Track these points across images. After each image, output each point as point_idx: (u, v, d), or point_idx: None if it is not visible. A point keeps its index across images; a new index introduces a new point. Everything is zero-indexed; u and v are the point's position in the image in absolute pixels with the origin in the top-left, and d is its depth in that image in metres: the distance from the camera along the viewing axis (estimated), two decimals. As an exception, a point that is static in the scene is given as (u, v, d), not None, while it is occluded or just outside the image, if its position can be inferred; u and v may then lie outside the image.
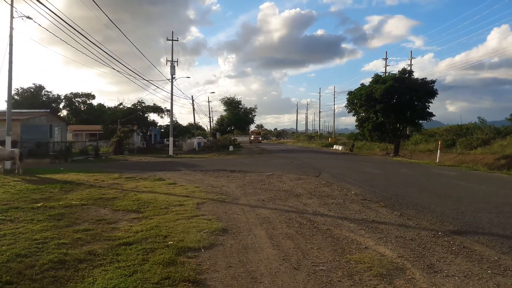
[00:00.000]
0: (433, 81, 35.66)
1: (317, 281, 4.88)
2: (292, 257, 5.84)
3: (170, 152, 39.70)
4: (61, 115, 62.04)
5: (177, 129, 68.60)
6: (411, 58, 53.24)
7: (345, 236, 7.03)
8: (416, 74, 38.83)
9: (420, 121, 36.91)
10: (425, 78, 36.01)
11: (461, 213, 8.98)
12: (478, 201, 10.62)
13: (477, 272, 5.20)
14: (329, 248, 6.27)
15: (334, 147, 56.15)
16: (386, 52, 70.53)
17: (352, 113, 40.39)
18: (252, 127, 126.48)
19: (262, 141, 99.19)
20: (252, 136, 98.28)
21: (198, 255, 5.86)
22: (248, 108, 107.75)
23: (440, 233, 7.22)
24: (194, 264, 5.45)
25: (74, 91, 79.25)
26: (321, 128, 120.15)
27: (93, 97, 76.83)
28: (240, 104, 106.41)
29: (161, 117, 53.71)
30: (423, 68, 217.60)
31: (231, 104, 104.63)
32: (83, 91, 76.39)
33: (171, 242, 6.41)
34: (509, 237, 6.94)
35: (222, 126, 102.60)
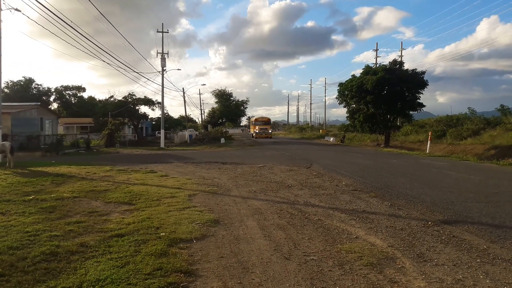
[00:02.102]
0: (423, 72, 35.79)
1: (308, 270, 4.93)
2: (284, 247, 5.89)
3: (162, 145, 39.57)
4: (52, 108, 61.29)
5: (168, 122, 68.20)
6: (402, 49, 53.54)
7: (336, 226, 7.10)
8: (407, 65, 38.93)
9: (411, 112, 37.11)
10: (416, 69, 36.14)
11: (451, 203, 9.09)
12: (467, 191, 10.75)
13: (466, 260, 5.29)
14: (320, 238, 6.33)
15: (325, 138, 56.34)
16: (377, 43, 71.29)
17: (343, 105, 40.46)
18: (244, 120, 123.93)
19: (271, 135, 62.65)
20: (257, 128, 62.28)
21: (190, 246, 5.89)
22: (239, 100, 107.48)
23: (430, 222, 7.31)
24: (186, 255, 5.48)
25: (65, 84, 78.41)
26: (312, 119, 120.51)
27: (84, 90, 76.01)
28: (232, 96, 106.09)
29: (152, 109, 53.56)
30: (413, 59, 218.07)
31: (222, 96, 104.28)
32: (73, 84, 75.57)
33: (163, 234, 6.43)
34: (498, 226, 7.05)
35: (214, 118, 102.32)
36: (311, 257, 5.43)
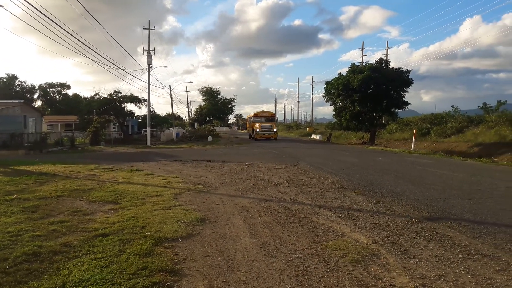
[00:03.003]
0: (408, 71, 36.19)
1: (293, 268, 4.95)
2: (270, 245, 5.90)
3: (148, 143, 39.27)
4: (36, 106, 60.41)
5: (155, 119, 67.75)
6: (387, 48, 54.01)
7: (321, 223, 7.14)
8: (392, 64, 39.59)
9: (396, 110, 37.49)
10: (401, 68, 36.55)
11: (435, 200, 9.22)
12: (451, 188, 10.91)
13: (449, 256, 5.37)
14: (306, 236, 6.36)
15: (312, 136, 56.61)
16: (363, 42, 71.82)
17: (329, 103, 40.68)
18: (232, 118, 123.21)
19: (276, 135, 46.80)
20: (258, 125, 46.69)
21: (176, 245, 5.86)
22: (227, 98, 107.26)
23: (413, 219, 7.40)
24: (171, 254, 5.45)
25: (49, 81, 77.28)
26: (299, 117, 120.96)
27: (69, 87, 75.17)
28: (219, 94, 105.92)
29: (139, 107, 53.11)
30: (399, 58, 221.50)
31: (210, 94, 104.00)
32: (58, 81, 74.64)
33: (148, 233, 6.39)
34: (479, 223, 7.17)
35: (201, 116, 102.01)
36: (297, 255, 5.45)
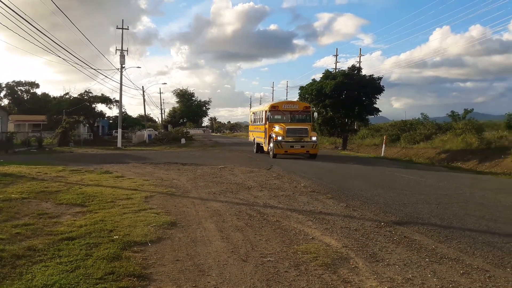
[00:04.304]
0: (379, 78, 36.92)
1: (264, 272, 4.95)
2: (241, 249, 5.88)
3: (119, 144, 38.59)
4: (2, 105, 58.45)
5: (126, 121, 66.67)
6: (360, 55, 54.93)
7: (293, 227, 7.17)
8: (365, 71, 40.30)
9: (368, 116, 38.19)
10: (373, 75, 37.25)
11: (403, 204, 9.41)
12: (419, 193, 11.17)
13: (416, 260, 5.48)
14: (277, 240, 6.37)
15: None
16: (337, 49, 72.72)
17: (303, 108, 40.96)
18: (206, 120, 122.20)
19: (317, 148, 23.29)
20: (278, 128, 22.63)
21: (145, 249, 5.76)
22: (201, 100, 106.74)
23: (382, 223, 7.53)
24: (140, 258, 5.35)
25: (17, 79, 74.84)
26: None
27: (37, 86, 73.03)
28: (193, 96, 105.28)
29: (110, 108, 52.16)
30: (371, 65, 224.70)
31: (184, 96, 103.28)
32: (26, 80, 72.39)
33: (117, 237, 6.25)
34: (446, 227, 7.37)
35: (175, 118, 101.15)
36: (268, 259, 5.45)
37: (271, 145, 22.66)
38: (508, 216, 8.40)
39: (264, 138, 24.21)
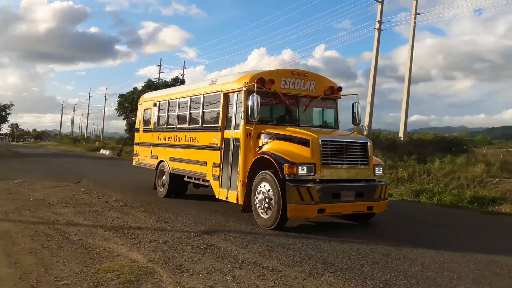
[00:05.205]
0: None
1: (57, 298, 4.47)
2: (32, 274, 5.20)
3: None
4: None
5: None
6: (184, 67, 55.87)
7: (97, 245, 6.71)
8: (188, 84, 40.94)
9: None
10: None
11: (213, 213, 9.82)
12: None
13: (219, 267, 5.72)
14: (77, 260, 5.86)
15: (101, 151, 53.57)
16: (161, 59, 72.34)
17: (122, 117, 39.54)
18: (5, 127, 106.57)
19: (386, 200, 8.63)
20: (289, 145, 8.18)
21: None
22: (1, 104, 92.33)
23: (192, 233, 7.69)
24: None
25: None
26: (89, 131, 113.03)
27: None
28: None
29: None
30: (194, 78, 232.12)
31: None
32: None
33: None
34: (248, 233, 7.95)
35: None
36: (64, 282, 4.95)
37: (269, 190, 8.22)
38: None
39: (221, 161, 9.75)
